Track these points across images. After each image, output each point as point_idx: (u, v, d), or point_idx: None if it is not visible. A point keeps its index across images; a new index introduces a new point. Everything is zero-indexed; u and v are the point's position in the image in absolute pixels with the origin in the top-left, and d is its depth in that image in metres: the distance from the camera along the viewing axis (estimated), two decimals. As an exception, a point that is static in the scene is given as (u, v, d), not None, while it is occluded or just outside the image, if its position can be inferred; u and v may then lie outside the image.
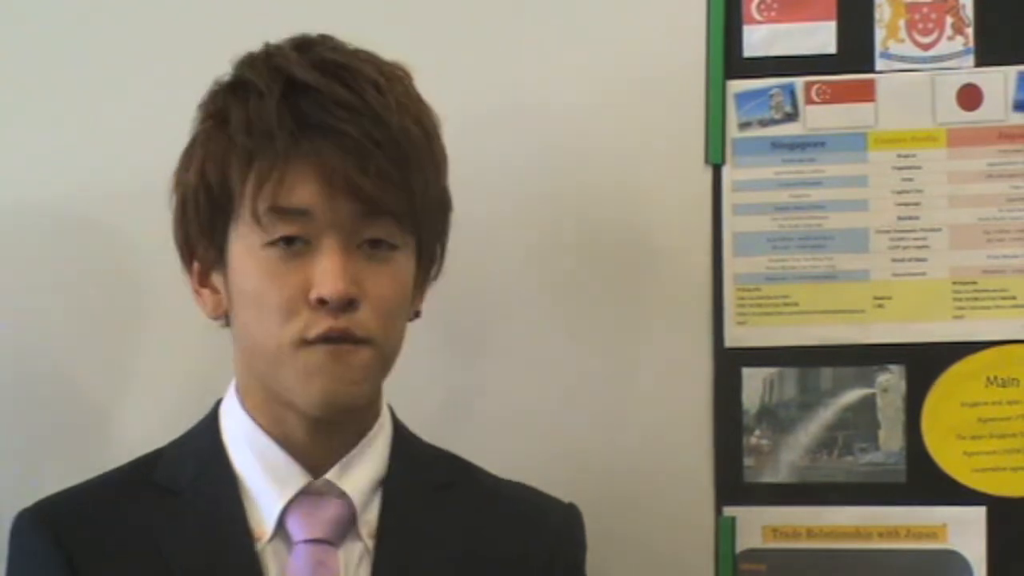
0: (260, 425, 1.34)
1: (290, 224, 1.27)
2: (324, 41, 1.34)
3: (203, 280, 1.35)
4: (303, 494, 1.32)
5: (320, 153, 1.27)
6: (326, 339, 1.27)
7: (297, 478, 1.33)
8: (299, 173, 1.27)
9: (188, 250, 1.35)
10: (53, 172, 1.82)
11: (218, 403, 1.40)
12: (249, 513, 1.33)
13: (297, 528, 1.32)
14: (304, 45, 1.33)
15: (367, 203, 1.27)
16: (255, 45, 1.36)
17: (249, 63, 1.33)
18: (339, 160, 1.27)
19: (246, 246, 1.29)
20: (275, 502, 1.32)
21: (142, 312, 1.79)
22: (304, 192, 1.27)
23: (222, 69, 1.37)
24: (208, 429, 1.39)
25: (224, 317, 1.35)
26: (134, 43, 1.81)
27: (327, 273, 1.26)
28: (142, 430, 1.47)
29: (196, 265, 1.35)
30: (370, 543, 1.34)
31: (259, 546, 1.32)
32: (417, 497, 1.37)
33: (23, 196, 1.82)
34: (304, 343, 1.27)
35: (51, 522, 1.34)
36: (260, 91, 1.28)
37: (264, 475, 1.34)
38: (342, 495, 1.33)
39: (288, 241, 1.27)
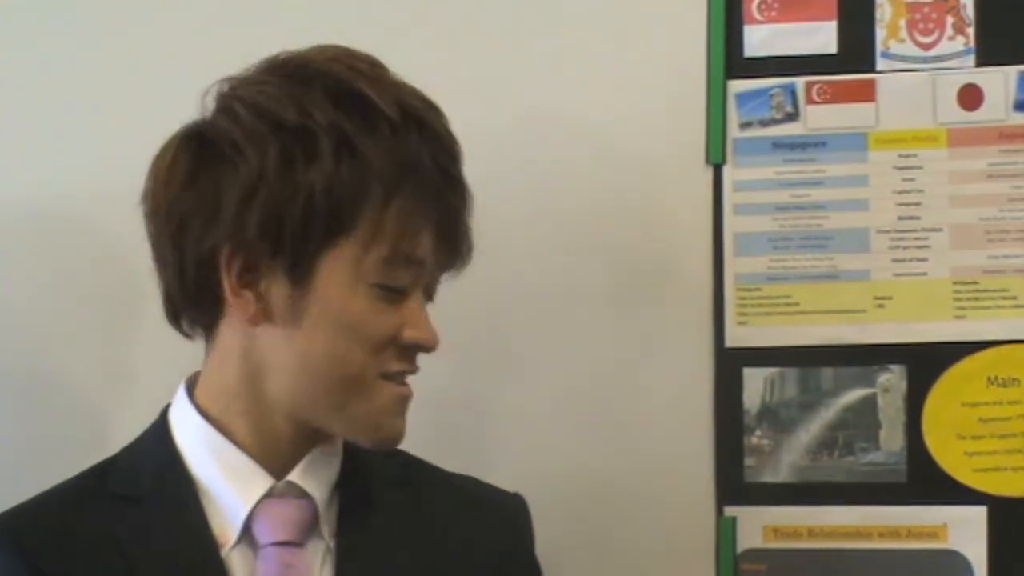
0: (219, 429, 1.34)
1: (410, 273, 1.29)
2: (378, 66, 1.32)
3: (246, 281, 1.30)
4: (266, 497, 1.32)
5: (447, 205, 1.29)
6: (402, 377, 1.32)
7: (261, 481, 1.32)
8: (425, 223, 1.29)
9: (241, 249, 1.28)
10: (52, 173, 1.82)
11: (165, 410, 1.38)
12: (211, 517, 1.33)
13: (264, 531, 1.32)
14: (378, 67, 1.31)
15: (455, 260, 1.33)
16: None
17: (347, 80, 1.29)
18: (457, 215, 1.31)
19: (352, 276, 1.28)
20: (240, 505, 1.32)
21: (140, 313, 1.76)
22: (426, 243, 1.29)
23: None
24: (159, 436, 1.37)
25: (260, 325, 1.31)
26: (136, 47, 1.82)
27: (423, 324, 1.30)
28: (141, 431, 1.45)
29: (238, 263, 1.29)
30: (331, 543, 1.34)
31: (224, 552, 1.32)
32: (373, 496, 1.37)
33: (22, 196, 1.82)
34: (383, 377, 1.30)
35: (12, 534, 1.32)
36: (394, 125, 1.27)
37: (225, 479, 1.33)
38: (305, 496, 1.33)
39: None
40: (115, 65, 1.82)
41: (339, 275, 1.28)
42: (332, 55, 1.31)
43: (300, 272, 1.28)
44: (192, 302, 1.33)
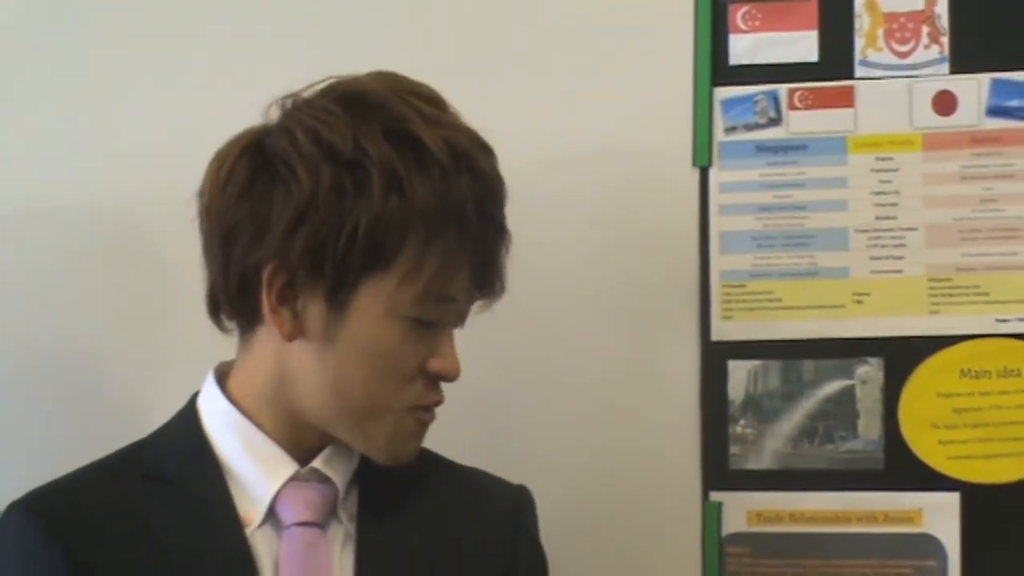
0: (249, 418, 1.35)
1: (441, 309, 1.31)
2: (436, 102, 1.32)
3: (285, 300, 1.30)
4: (291, 480, 1.34)
5: (485, 248, 1.31)
6: (427, 408, 1.34)
7: (286, 466, 1.34)
8: (464, 261, 1.30)
9: (284, 268, 1.29)
10: (88, 173, 1.83)
11: (194, 397, 1.39)
12: (237, 499, 1.34)
13: (288, 512, 1.34)
14: (429, 100, 1.31)
15: (488, 297, 1.35)
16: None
17: (405, 119, 1.29)
18: (493, 257, 1.32)
19: (385, 308, 1.29)
20: (266, 488, 1.34)
21: (169, 305, 1.79)
22: (460, 282, 1.31)
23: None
24: (188, 421, 1.38)
25: (296, 340, 1.32)
26: (165, 44, 1.82)
27: (451, 355, 1.32)
28: (169, 416, 1.44)
29: (280, 281, 1.30)
30: (351, 527, 1.35)
31: (249, 531, 1.33)
32: (389, 485, 1.38)
33: (59, 196, 1.83)
34: (412, 408, 1.33)
35: (44, 513, 1.32)
36: (444, 168, 1.28)
37: (252, 462, 1.34)
38: (327, 481, 1.35)
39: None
40: (153, 68, 1.82)
41: (374, 305, 1.29)
42: (392, 87, 1.31)
43: (338, 297, 1.28)
44: (233, 304, 1.34)
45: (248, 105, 1.37)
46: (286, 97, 1.34)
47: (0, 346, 1.83)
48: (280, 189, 1.28)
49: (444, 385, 1.35)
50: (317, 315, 1.30)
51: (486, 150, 1.32)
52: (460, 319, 1.35)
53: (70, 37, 1.85)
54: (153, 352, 1.82)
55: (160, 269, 1.81)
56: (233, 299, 1.32)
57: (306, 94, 1.34)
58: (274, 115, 1.34)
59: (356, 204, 1.26)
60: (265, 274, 1.29)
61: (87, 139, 1.84)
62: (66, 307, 1.83)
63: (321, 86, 1.34)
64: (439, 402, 1.35)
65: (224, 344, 1.39)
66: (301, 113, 1.32)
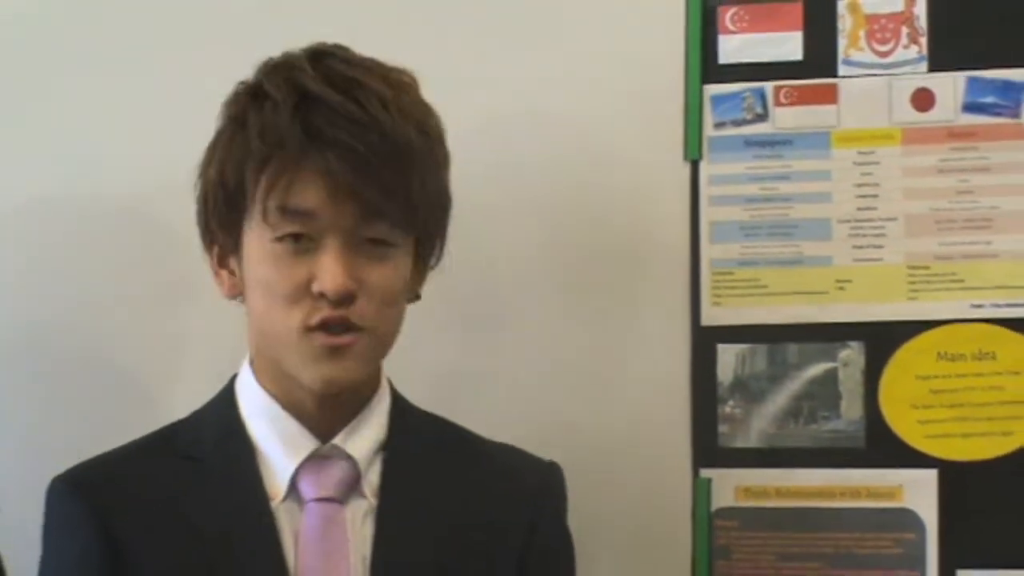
0: (274, 397, 1.38)
1: (295, 223, 1.32)
2: (337, 52, 1.36)
3: (221, 262, 1.39)
4: (312, 458, 1.37)
5: (327, 163, 1.30)
6: (325, 327, 1.31)
7: (307, 443, 1.37)
8: (307, 179, 1.31)
9: (208, 236, 1.39)
10: (109, 168, 1.85)
11: (233, 378, 1.43)
12: (264, 477, 1.37)
13: (308, 488, 1.36)
14: (318, 55, 1.35)
15: (367, 209, 1.31)
16: (276, 45, 1.39)
17: (267, 71, 1.36)
18: (344, 170, 1.30)
19: (258, 239, 1.33)
20: (288, 465, 1.36)
21: (189, 295, 1.81)
22: (310, 196, 1.31)
23: (247, 70, 1.38)
24: (225, 402, 1.42)
25: (239, 296, 1.39)
26: (185, 45, 1.84)
27: (327, 271, 1.31)
28: (195, 404, 1.48)
29: (215, 249, 1.39)
30: (373, 501, 1.37)
31: (274, 505, 1.36)
32: (414, 459, 1.40)
33: (87, 191, 1.86)
34: (307, 329, 1.32)
35: (84, 487, 1.36)
36: (275, 101, 1.32)
37: (278, 442, 1.37)
38: (347, 458, 1.37)
39: (295, 238, 1.32)
40: (161, 71, 1.84)
41: (254, 240, 1.34)
42: (319, 51, 1.37)
43: (236, 245, 1.37)
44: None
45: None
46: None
47: (19, 335, 1.86)
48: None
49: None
50: (235, 266, 1.38)
51: (351, 83, 1.32)
52: (343, 235, 1.32)
53: (84, 35, 1.87)
54: (172, 340, 1.84)
55: (175, 258, 1.81)
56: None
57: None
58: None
59: (220, 158, 1.36)
60: (205, 246, 1.40)
61: (104, 135, 1.86)
62: (82, 295, 1.86)
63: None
64: (328, 319, 1.32)
65: (243, 333, 1.42)
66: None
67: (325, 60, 1.35)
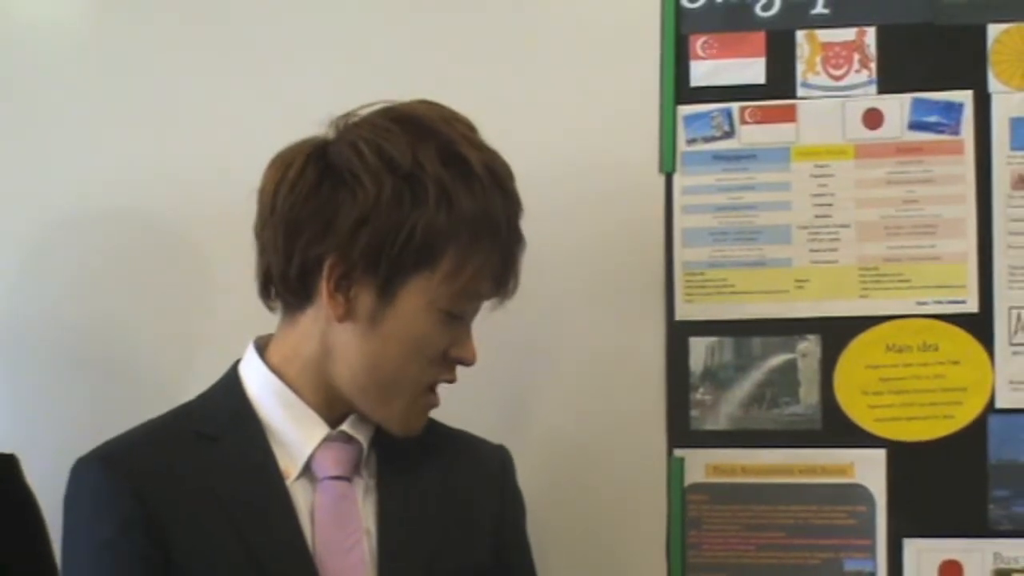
0: (289, 385, 1.43)
1: (472, 304, 1.42)
2: (466, 121, 1.42)
3: (340, 287, 1.39)
4: (324, 441, 1.43)
5: (511, 255, 1.41)
6: (435, 388, 1.44)
7: (321, 427, 1.44)
8: (492, 266, 1.40)
9: (344, 262, 1.38)
10: (136, 173, 1.91)
11: (234, 366, 1.47)
12: (278, 455, 1.42)
13: (321, 468, 1.43)
14: (455, 121, 1.41)
15: (503, 298, 1.44)
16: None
17: (454, 142, 1.39)
18: (512, 262, 1.41)
19: (428, 301, 1.38)
20: (303, 446, 1.42)
21: (204, 292, 1.89)
22: (486, 285, 1.41)
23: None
24: (230, 386, 1.45)
25: (346, 321, 1.40)
26: (205, 46, 1.90)
27: (468, 345, 1.43)
28: (204, 388, 1.50)
29: (340, 270, 1.38)
30: (371, 482, 1.45)
31: (288, 482, 1.42)
32: (402, 446, 1.47)
33: (109, 193, 1.91)
34: (430, 388, 1.43)
35: (114, 462, 1.39)
36: (481, 180, 1.38)
37: (292, 423, 1.43)
38: (351, 441, 1.44)
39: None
40: (186, 82, 1.90)
41: (418, 298, 1.38)
42: (439, 114, 1.41)
43: (388, 289, 1.38)
44: (287, 288, 1.42)
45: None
46: (344, 115, 1.43)
47: (55, 334, 1.92)
48: (346, 193, 1.37)
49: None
50: (366, 303, 1.39)
51: (511, 174, 1.43)
52: (477, 312, 1.46)
53: (129, 47, 1.92)
54: (185, 336, 1.90)
55: (197, 262, 1.89)
56: (290, 283, 1.41)
57: (362, 113, 1.43)
58: (330, 131, 1.43)
59: (412, 212, 1.36)
60: (327, 264, 1.38)
61: (135, 149, 1.91)
62: (112, 299, 1.92)
63: (374, 108, 1.43)
64: (452, 381, 1.44)
65: (247, 326, 1.47)
66: (361, 129, 1.40)
67: (471, 135, 1.42)
